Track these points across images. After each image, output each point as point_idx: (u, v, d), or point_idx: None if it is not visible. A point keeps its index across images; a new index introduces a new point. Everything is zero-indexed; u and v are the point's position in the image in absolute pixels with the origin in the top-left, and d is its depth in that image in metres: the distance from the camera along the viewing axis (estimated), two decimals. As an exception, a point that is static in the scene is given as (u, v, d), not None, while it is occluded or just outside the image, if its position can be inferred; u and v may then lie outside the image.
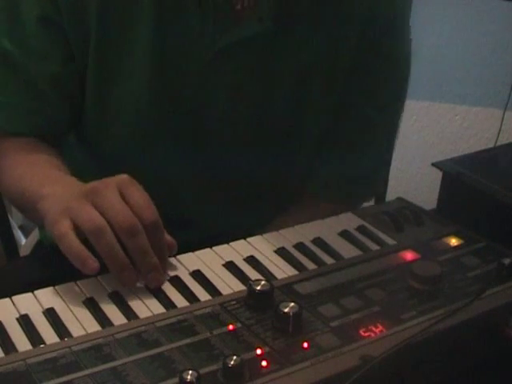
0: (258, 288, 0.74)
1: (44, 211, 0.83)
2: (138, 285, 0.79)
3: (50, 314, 0.73)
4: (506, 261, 0.80)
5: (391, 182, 1.19)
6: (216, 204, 1.09)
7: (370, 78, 1.07)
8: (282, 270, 0.83)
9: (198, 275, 0.81)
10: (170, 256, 0.83)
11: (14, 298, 0.75)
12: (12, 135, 1.01)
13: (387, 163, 1.16)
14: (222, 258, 0.84)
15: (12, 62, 0.97)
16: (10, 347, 0.68)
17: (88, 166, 1.08)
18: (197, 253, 0.85)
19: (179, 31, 0.97)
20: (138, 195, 0.80)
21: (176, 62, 0.98)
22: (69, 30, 0.96)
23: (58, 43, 0.97)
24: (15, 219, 2.35)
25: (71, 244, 0.76)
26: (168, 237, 0.83)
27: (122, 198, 0.79)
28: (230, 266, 0.83)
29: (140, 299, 0.76)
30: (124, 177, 0.81)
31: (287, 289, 0.77)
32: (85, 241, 0.77)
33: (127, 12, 0.95)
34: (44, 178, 0.92)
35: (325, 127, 1.08)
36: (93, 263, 0.76)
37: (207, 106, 1.02)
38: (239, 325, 0.71)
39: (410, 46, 1.09)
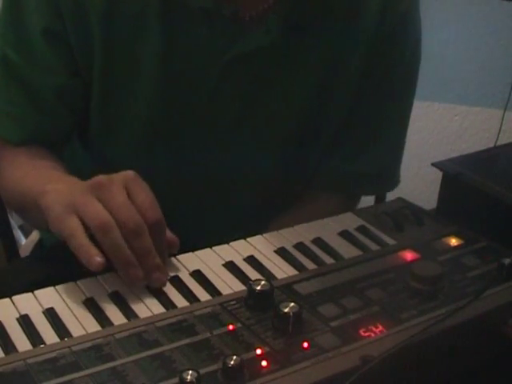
0: (258, 288, 0.73)
1: (47, 206, 0.81)
2: (138, 285, 0.79)
3: (50, 314, 0.73)
4: (506, 261, 0.80)
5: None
6: (217, 209, 1.09)
7: (383, 79, 1.06)
8: (282, 270, 0.82)
9: (198, 275, 0.81)
10: (173, 254, 0.83)
11: (14, 298, 0.75)
12: (14, 144, 1.01)
13: (398, 162, 1.16)
14: (222, 257, 0.84)
15: (17, 74, 0.98)
16: (10, 347, 0.68)
17: (92, 171, 1.08)
18: (197, 253, 0.85)
19: (187, 44, 0.97)
20: (144, 194, 0.79)
21: (185, 74, 0.99)
22: (74, 44, 0.96)
23: (62, 56, 0.97)
24: (15, 219, 2.35)
25: (81, 242, 0.76)
26: (170, 234, 0.82)
27: (127, 195, 0.78)
28: (230, 266, 0.83)
29: (140, 299, 0.76)
30: (130, 173, 0.81)
31: (287, 289, 0.77)
32: (91, 236, 0.77)
33: (133, 26, 0.96)
34: (47, 177, 0.92)
35: (338, 125, 1.08)
36: (99, 260, 0.75)
37: (218, 116, 1.02)
38: (239, 325, 0.71)
39: (419, 36, 1.08)
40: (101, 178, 0.80)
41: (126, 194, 0.78)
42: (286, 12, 0.97)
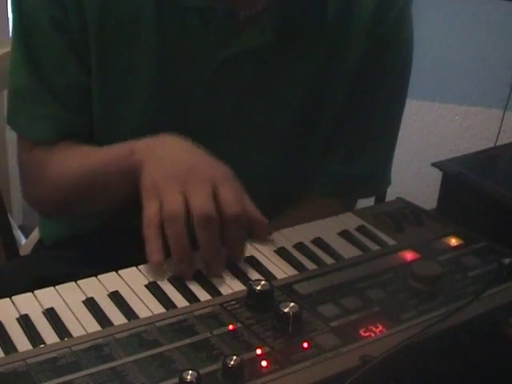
0: (258, 288, 0.74)
1: (141, 165, 0.86)
2: (138, 285, 0.79)
3: (50, 314, 0.73)
4: (506, 261, 0.79)
5: (391, 182, 1.19)
6: None
7: (376, 82, 1.06)
8: (282, 270, 0.83)
9: (197, 275, 0.81)
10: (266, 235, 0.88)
11: (14, 298, 0.75)
12: (50, 144, 1.02)
13: (390, 162, 1.16)
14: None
15: (39, 73, 0.99)
16: (10, 347, 0.68)
17: None
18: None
19: (181, 43, 0.97)
20: (229, 190, 0.83)
21: (179, 74, 0.99)
22: (77, 37, 0.97)
23: (71, 49, 0.97)
24: (15, 219, 2.36)
25: (150, 234, 0.81)
26: (260, 217, 0.87)
27: (213, 190, 0.82)
28: (230, 266, 0.83)
29: (140, 299, 0.76)
30: (221, 172, 0.85)
31: (287, 289, 0.77)
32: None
33: (127, 25, 0.96)
34: (123, 144, 0.93)
35: (332, 128, 1.08)
36: (157, 258, 0.80)
37: (212, 116, 1.02)
38: (239, 325, 0.71)
39: (412, 38, 1.08)
40: (193, 168, 0.85)
41: (209, 191, 0.82)
42: (281, 13, 0.97)
